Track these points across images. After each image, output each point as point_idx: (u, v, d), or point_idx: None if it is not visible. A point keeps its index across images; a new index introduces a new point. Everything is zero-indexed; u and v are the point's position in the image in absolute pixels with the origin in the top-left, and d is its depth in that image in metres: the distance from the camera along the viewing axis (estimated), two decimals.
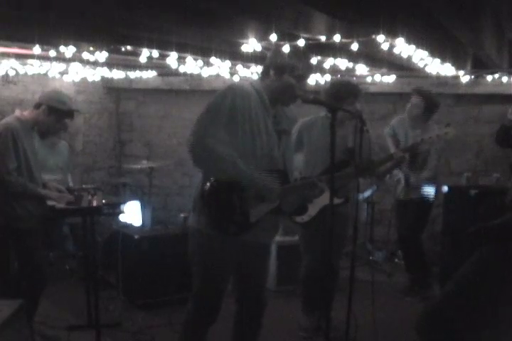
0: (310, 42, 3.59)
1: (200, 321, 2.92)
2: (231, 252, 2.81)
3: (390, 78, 5.87)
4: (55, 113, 3.69)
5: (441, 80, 5.86)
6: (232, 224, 2.74)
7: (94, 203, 3.77)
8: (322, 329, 3.78)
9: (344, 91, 3.77)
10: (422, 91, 4.79)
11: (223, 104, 2.67)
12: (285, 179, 2.87)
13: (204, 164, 2.73)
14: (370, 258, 5.88)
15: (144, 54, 4.28)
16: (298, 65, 2.74)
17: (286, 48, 3.54)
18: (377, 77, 5.87)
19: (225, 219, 2.74)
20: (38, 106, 3.71)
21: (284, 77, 2.73)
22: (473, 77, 5.71)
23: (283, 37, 3.48)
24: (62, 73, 5.87)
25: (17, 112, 3.73)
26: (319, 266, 4.00)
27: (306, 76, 2.81)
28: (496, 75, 5.64)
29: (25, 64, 5.28)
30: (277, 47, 3.01)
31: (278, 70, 2.74)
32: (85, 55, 4.34)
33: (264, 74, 2.81)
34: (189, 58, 4.53)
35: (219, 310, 2.89)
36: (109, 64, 5.66)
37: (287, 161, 2.92)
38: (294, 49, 3.05)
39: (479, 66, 5.46)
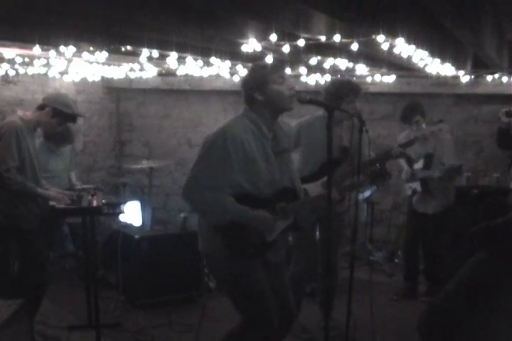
0: (310, 42, 3.59)
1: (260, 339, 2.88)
2: (257, 267, 2.80)
3: (390, 78, 5.87)
4: (59, 116, 3.70)
5: (441, 80, 5.85)
6: (250, 246, 2.74)
7: (94, 203, 3.77)
8: (321, 328, 3.78)
9: (345, 89, 3.77)
10: (420, 106, 4.80)
11: (215, 152, 2.67)
12: (294, 195, 2.89)
13: (199, 214, 2.83)
14: (370, 258, 5.88)
15: (144, 54, 4.28)
16: (267, 71, 2.73)
17: (286, 48, 3.55)
18: (377, 77, 5.87)
19: (242, 245, 2.73)
20: (42, 107, 3.71)
21: (268, 90, 2.71)
22: (473, 77, 5.70)
23: (283, 37, 3.47)
24: (62, 73, 5.87)
25: (20, 112, 3.73)
26: (310, 266, 4.02)
27: (283, 74, 2.77)
28: (496, 75, 5.64)
29: (25, 64, 5.27)
30: (247, 71, 3.01)
31: (259, 88, 2.71)
32: (85, 55, 4.33)
33: (251, 100, 2.77)
34: (189, 58, 4.52)
35: (276, 323, 2.82)
36: (109, 64, 5.65)
37: (293, 176, 2.94)
38: (252, 65, 3.03)
39: (479, 66, 5.46)
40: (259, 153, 2.73)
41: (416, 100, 5.04)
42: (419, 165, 4.78)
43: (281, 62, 2.85)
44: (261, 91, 2.72)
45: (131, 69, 5.81)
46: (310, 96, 2.76)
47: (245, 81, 2.81)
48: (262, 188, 2.75)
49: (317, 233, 4.09)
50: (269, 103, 2.74)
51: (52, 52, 4.17)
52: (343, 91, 3.75)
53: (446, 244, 5.07)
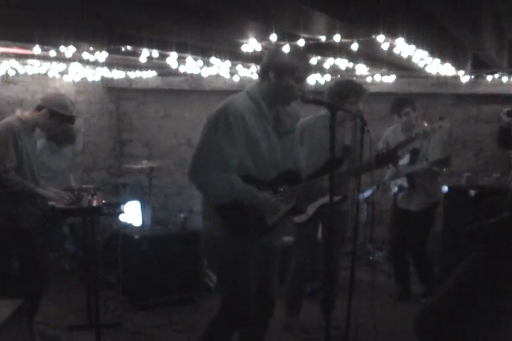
0: (310, 42, 3.59)
1: (233, 325, 2.88)
2: (252, 253, 2.79)
3: (390, 78, 5.87)
4: (55, 117, 3.69)
5: (441, 80, 5.86)
6: (251, 228, 2.73)
7: (94, 203, 3.77)
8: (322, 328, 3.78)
9: (348, 90, 3.77)
10: (410, 100, 4.77)
11: (218, 129, 2.65)
12: (296, 177, 2.88)
13: (206, 194, 2.79)
14: (370, 258, 5.88)
15: (144, 54, 4.28)
16: (298, 66, 2.68)
17: (286, 48, 3.55)
18: (377, 77, 5.88)
19: (242, 226, 2.72)
20: (39, 108, 3.71)
21: (284, 79, 2.67)
22: (473, 77, 5.71)
23: (283, 37, 3.48)
24: (62, 73, 5.87)
25: (18, 112, 3.73)
26: (311, 265, 4.02)
27: (305, 77, 2.78)
28: (496, 75, 5.64)
29: (25, 64, 5.27)
30: (277, 47, 2.97)
31: (278, 72, 2.67)
32: (85, 55, 4.34)
33: (263, 75, 2.73)
34: (189, 58, 4.53)
35: (251, 313, 2.83)
36: (109, 64, 5.66)
37: (297, 158, 2.92)
38: (294, 49, 3.02)
39: (479, 66, 5.46)
40: (260, 133, 2.70)
41: (408, 96, 5.01)
42: (404, 160, 4.75)
43: (310, 66, 2.83)
44: (277, 76, 2.67)
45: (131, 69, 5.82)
46: (313, 96, 2.75)
47: (274, 56, 2.73)
48: (265, 170, 2.73)
49: (319, 232, 4.10)
50: (273, 89, 2.70)
51: (52, 52, 4.17)
52: (346, 92, 3.75)
53: (446, 244, 5.07)
